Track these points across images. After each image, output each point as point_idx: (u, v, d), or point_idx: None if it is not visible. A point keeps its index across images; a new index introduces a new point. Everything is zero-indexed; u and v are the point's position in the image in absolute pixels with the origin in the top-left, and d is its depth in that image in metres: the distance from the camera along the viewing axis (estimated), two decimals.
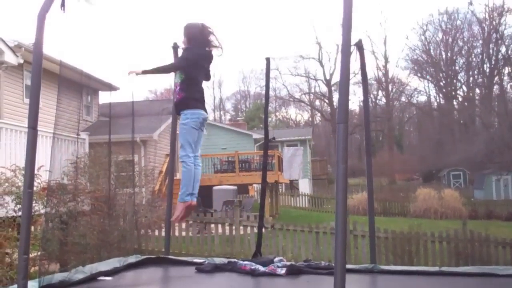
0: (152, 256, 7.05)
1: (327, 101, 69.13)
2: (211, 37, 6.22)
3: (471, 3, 70.52)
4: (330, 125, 65.53)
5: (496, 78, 63.87)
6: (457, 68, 69.04)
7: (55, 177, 9.35)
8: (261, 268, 6.00)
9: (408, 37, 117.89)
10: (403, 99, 74.18)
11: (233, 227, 15.80)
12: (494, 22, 62.36)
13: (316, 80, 70.33)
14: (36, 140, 4.52)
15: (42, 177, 8.96)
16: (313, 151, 56.40)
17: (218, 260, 6.86)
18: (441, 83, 69.98)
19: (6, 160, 10.75)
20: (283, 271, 5.91)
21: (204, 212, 17.78)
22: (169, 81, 79.83)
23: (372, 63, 68.33)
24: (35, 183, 6.22)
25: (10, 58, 15.01)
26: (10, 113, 17.37)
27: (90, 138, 14.84)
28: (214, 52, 6.28)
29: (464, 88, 69.53)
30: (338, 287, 3.27)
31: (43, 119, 5.46)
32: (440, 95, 71.93)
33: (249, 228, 15.71)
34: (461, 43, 67.51)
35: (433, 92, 75.07)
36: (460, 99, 69.67)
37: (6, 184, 9.49)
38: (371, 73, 66.65)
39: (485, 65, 65.12)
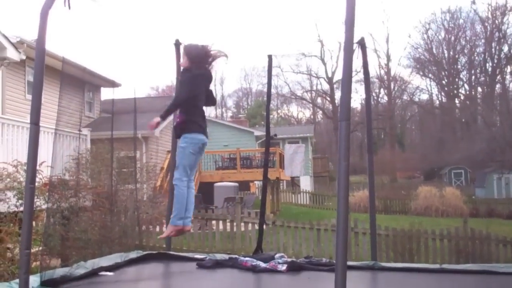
0: (153, 252, 7.07)
1: (328, 98, 69.18)
2: (211, 56, 6.13)
3: (473, 2, 70.05)
4: (331, 123, 65.60)
5: (498, 77, 63.77)
6: (459, 66, 68.97)
7: (57, 173, 9.36)
8: (262, 265, 6.01)
9: (411, 35, 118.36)
10: (405, 97, 74.20)
11: (234, 224, 15.82)
12: (496, 21, 62.29)
13: (318, 77, 70.45)
14: (38, 135, 4.53)
15: (43, 173, 8.98)
16: (315, 148, 56.40)
17: (219, 256, 6.87)
18: (443, 82, 69.91)
19: (8, 156, 10.77)
20: (284, 267, 5.92)
21: (205, 208, 17.79)
22: (170, 78, 79.68)
23: (374, 61, 68.31)
24: (37, 179, 6.24)
25: (13, 54, 15.02)
26: (12, 109, 17.39)
27: (92, 134, 14.85)
28: (220, 60, 6.19)
29: (466, 86, 69.50)
30: (339, 283, 3.28)
31: (45, 115, 5.46)
32: (442, 93, 71.88)
33: (250, 224, 15.72)
34: (463, 42, 67.43)
35: (435, 91, 75.07)
36: (462, 97, 69.59)
37: (8, 179, 9.51)
38: (373, 71, 66.63)
39: (487, 64, 65.03)
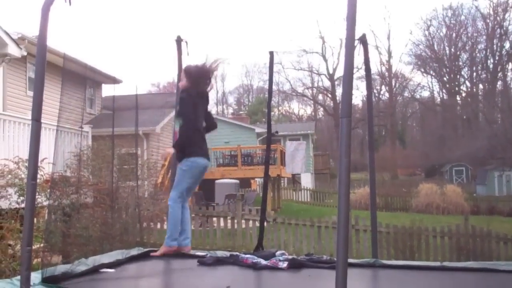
0: (155, 249, 7.06)
1: (330, 95, 69.18)
2: (210, 73, 6.10)
3: None
4: (332, 120, 65.59)
5: (499, 74, 63.74)
6: (460, 63, 69.00)
7: (58, 169, 9.38)
8: (263, 262, 6.01)
9: (412, 32, 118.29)
10: (406, 94, 74.20)
11: (235, 221, 15.83)
12: (498, 18, 62.27)
13: (319, 74, 70.46)
14: (39, 132, 4.53)
15: (45, 169, 8.99)
16: (316, 145, 56.41)
17: (220, 253, 6.87)
18: (445, 79, 69.89)
19: (9, 152, 10.78)
20: (284, 264, 5.92)
21: (206, 205, 17.81)
22: (172, 74, 79.75)
23: (376, 58, 68.39)
24: (38, 175, 6.24)
25: (14, 51, 15.01)
26: (13, 105, 17.40)
27: (93, 131, 14.86)
28: (221, 66, 6.24)
29: (468, 83, 69.50)
30: (340, 281, 3.28)
31: (46, 112, 5.46)
32: (443, 90, 71.90)
33: (251, 221, 15.74)
34: (465, 39, 67.43)
35: (436, 88, 75.21)
36: (463, 94, 69.63)
37: (9, 176, 9.52)
38: (375, 68, 66.58)
39: (488, 61, 65.05)
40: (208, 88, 6.09)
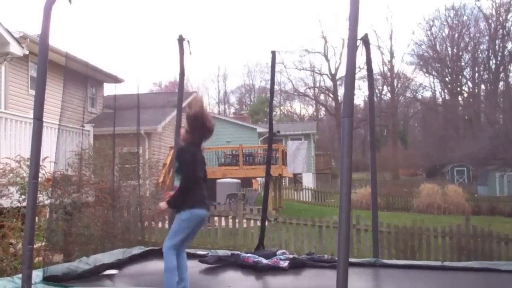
0: (156, 248, 7.08)
1: (332, 95, 69.13)
2: (211, 134, 5.83)
3: None
4: (334, 120, 65.58)
5: (501, 74, 63.67)
6: (462, 64, 68.86)
7: (60, 168, 9.38)
8: (264, 261, 6.02)
9: (414, 32, 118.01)
10: (408, 94, 74.10)
11: (237, 220, 15.83)
12: (501, 18, 62.16)
13: (321, 74, 70.40)
14: (41, 131, 4.54)
15: (46, 168, 9.00)
16: (317, 145, 56.45)
17: (221, 252, 6.88)
18: (447, 79, 69.83)
19: (11, 151, 10.79)
20: (286, 263, 5.93)
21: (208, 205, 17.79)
22: (173, 73, 79.85)
23: (378, 58, 68.34)
24: (40, 174, 6.25)
25: (16, 49, 15.02)
26: (15, 104, 17.40)
27: (95, 130, 14.87)
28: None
29: (470, 84, 69.42)
30: (340, 280, 3.29)
31: (47, 110, 5.47)
32: (445, 90, 71.86)
33: (252, 221, 15.74)
34: (467, 39, 67.32)
35: (438, 88, 75.10)
36: (465, 95, 69.52)
37: (11, 174, 9.53)
38: (377, 68, 66.60)
39: (491, 61, 64.98)
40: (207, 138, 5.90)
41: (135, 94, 11.81)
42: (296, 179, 38.52)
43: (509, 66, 62.61)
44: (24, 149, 10.70)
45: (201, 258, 6.36)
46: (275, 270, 5.80)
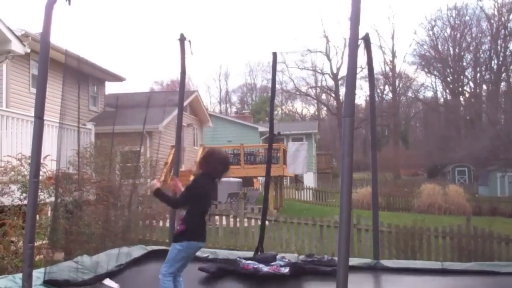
0: (156, 249, 7.08)
1: (333, 95, 69.10)
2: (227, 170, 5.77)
3: None
4: (336, 119, 65.53)
5: (503, 75, 63.67)
6: (464, 64, 68.86)
7: (61, 166, 9.39)
8: (265, 268, 6.02)
9: (416, 32, 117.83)
10: (409, 94, 74.12)
11: (237, 219, 15.83)
12: (503, 18, 62.17)
13: (322, 74, 70.40)
14: (42, 129, 4.54)
15: (47, 166, 9.00)
16: (319, 145, 56.43)
17: (221, 253, 6.88)
18: (448, 79, 69.82)
19: (12, 149, 10.79)
20: (286, 270, 5.93)
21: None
22: (175, 72, 79.97)
23: (380, 57, 68.36)
24: (41, 172, 6.25)
25: (17, 47, 15.02)
26: (16, 102, 17.41)
27: (96, 128, 14.87)
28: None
29: (471, 84, 69.43)
30: (341, 280, 3.29)
31: (49, 109, 5.47)
32: (447, 91, 71.88)
33: (253, 220, 15.74)
34: (469, 39, 67.29)
35: (440, 88, 75.14)
36: (466, 95, 69.51)
37: (12, 172, 9.53)
38: (378, 67, 66.63)
39: (492, 62, 64.96)
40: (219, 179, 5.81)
41: (136, 93, 11.85)
42: (297, 179, 38.55)
43: (511, 67, 62.65)
44: (25, 147, 10.70)
45: (201, 267, 6.36)
46: (275, 277, 5.79)
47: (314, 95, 75.33)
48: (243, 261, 6.42)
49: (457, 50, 68.17)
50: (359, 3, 3.62)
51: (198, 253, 6.92)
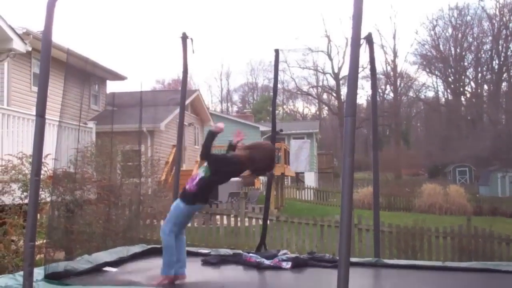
0: (158, 246, 7.07)
1: (334, 94, 69.07)
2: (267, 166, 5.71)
3: None
4: (337, 119, 65.49)
5: (504, 75, 63.65)
6: (465, 64, 68.80)
7: (62, 165, 9.38)
8: (267, 262, 6.02)
9: (418, 31, 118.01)
10: (411, 94, 74.01)
11: (238, 219, 15.82)
12: (504, 19, 62.11)
13: (324, 73, 70.34)
14: (44, 128, 4.54)
15: (49, 165, 9.00)
16: (320, 144, 56.43)
17: (223, 251, 6.88)
18: (450, 79, 69.77)
19: (13, 148, 10.79)
20: (288, 265, 5.93)
21: (210, 203, 17.79)
22: (177, 71, 79.94)
23: (381, 57, 68.26)
24: (42, 171, 6.25)
25: (19, 46, 15.01)
26: (17, 101, 17.41)
27: (97, 127, 14.87)
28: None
29: (473, 84, 69.36)
30: (342, 279, 3.28)
31: (50, 107, 5.46)
32: (448, 90, 71.79)
33: (254, 220, 15.73)
34: (470, 39, 67.25)
35: (441, 88, 75.06)
36: (468, 95, 69.47)
37: (13, 171, 9.53)
38: (380, 67, 66.49)
39: (494, 62, 64.90)
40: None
41: (137, 92, 11.84)
42: (298, 178, 38.52)
43: None
44: (26, 146, 10.70)
45: (204, 259, 6.36)
46: (277, 270, 5.79)
47: (316, 95, 75.33)
48: (245, 254, 6.43)
49: (458, 50, 68.11)
50: (361, 2, 3.61)
51: (200, 250, 6.92)
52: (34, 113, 4.58)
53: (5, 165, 9.70)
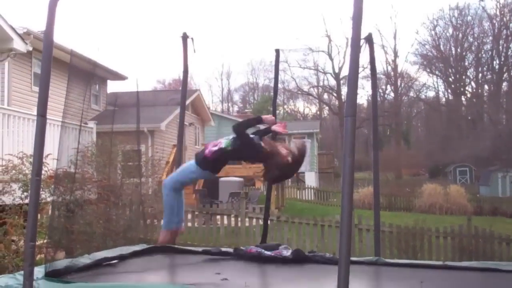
0: (158, 245, 7.07)
1: (335, 94, 69.03)
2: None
3: None
4: (337, 119, 65.47)
5: (505, 75, 63.65)
6: (466, 64, 68.80)
7: (63, 165, 9.39)
8: (267, 252, 6.04)
9: (418, 31, 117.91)
10: (411, 94, 73.98)
11: (239, 219, 15.84)
12: (504, 19, 62.13)
13: (325, 73, 70.32)
14: (44, 127, 4.53)
15: (49, 165, 9.00)
16: (320, 144, 56.42)
17: (224, 250, 6.89)
18: (450, 79, 69.76)
19: (13, 148, 10.80)
20: (288, 253, 5.96)
21: (210, 203, 17.81)
22: (177, 71, 79.93)
23: (382, 57, 68.22)
24: (43, 171, 6.25)
25: (19, 45, 15.02)
26: (18, 101, 17.42)
27: (98, 127, 14.88)
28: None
29: (473, 84, 69.37)
30: (342, 279, 3.29)
31: (51, 107, 5.47)
32: (449, 90, 71.79)
33: (254, 220, 15.75)
34: (471, 39, 67.23)
35: (441, 88, 75.02)
36: (468, 95, 69.47)
37: (14, 171, 9.54)
38: (380, 67, 66.39)
39: (494, 62, 64.89)
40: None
41: (139, 92, 11.83)
42: (298, 178, 38.51)
43: None
44: (26, 145, 10.71)
45: (204, 249, 6.41)
46: (279, 265, 5.79)
47: (316, 95, 75.34)
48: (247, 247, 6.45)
49: (459, 50, 68.11)
50: (361, 2, 3.61)
51: (200, 249, 6.93)
52: (35, 113, 4.58)
53: (6, 165, 9.71)
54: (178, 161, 8.05)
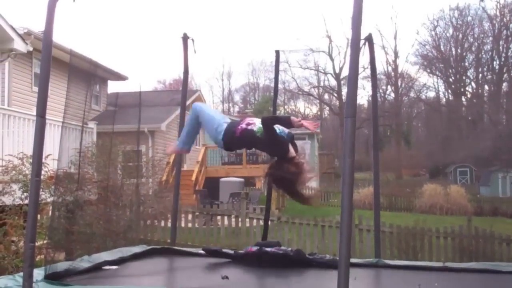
0: (158, 247, 7.07)
1: (336, 95, 68.98)
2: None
3: (482, 0, 70.45)
4: (338, 119, 65.43)
5: (505, 75, 63.61)
6: (466, 64, 68.74)
7: (63, 166, 9.39)
8: (268, 249, 6.05)
9: (419, 32, 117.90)
10: (412, 94, 73.92)
11: (239, 219, 15.82)
12: (505, 19, 62.07)
13: (325, 73, 70.26)
14: (44, 128, 4.53)
15: (49, 166, 9.00)
16: (321, 145, 56.37)
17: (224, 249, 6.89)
18: (450, 79, 69.74)
19: (13, 148, 10.80)
20: (289, 248, 5.99)
21: (211, 203, 17.79)
22: (178, 71, 79.93)
23: (382, 57, 68.19)
24: (42, 172, 6.25)
25: (20, 46, 15.03)
26: (18, 101, 17.42)
27: (98, 127, 14.88)
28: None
29: (473, 84, 69.32)
30: (342, 280, 3.28)
31: (51, 108, 5.46)
32: (449, 91, 71.74)
33: (255, 220, 15.73)
34: (471, 40, 67.19)
35: (442, 88, 74.93)
36: (468, 95, 69.45)
37: (14, 172, 9.54)
38: (381, 67, 66.34)
39: (494, 62, 64.85)
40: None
41: (139, 92, 11.84)
42: None
43: None
44: (27, 146, 10.71)
45: (204, 247, 6.42)
46: (280, 270, 5.78)
47: (317, 95, 75.31)
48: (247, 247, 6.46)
49: (459, 51, 68.09)
50: (361, 3, 3.61)
51: (200, 251, 6.93)
52: (35, 113, 4.57)
53: (6, 166, 9.71)
54: (178, 161, 8.05)
